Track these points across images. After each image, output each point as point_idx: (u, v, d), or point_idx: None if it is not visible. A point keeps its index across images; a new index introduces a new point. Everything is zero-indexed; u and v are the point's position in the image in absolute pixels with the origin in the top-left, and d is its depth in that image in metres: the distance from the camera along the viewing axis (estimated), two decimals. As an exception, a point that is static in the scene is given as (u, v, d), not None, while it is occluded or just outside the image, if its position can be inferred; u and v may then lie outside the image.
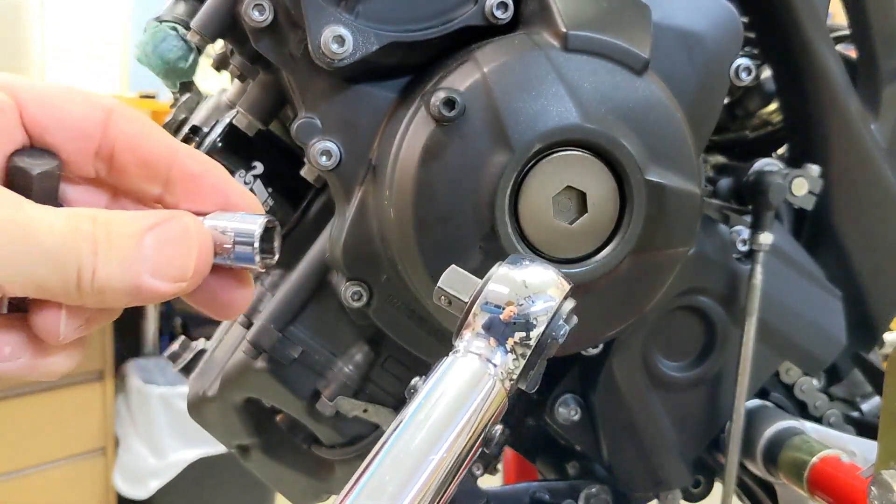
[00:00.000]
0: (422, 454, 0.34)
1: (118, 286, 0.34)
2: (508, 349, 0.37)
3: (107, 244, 0.34)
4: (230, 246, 0.38)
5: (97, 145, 0.37)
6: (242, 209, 0.39)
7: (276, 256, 0.39)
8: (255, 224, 0.38)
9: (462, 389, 0.36)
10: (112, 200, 0.39)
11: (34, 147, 0.37)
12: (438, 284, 0.39)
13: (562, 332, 0.38)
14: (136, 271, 0.34)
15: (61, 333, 0.35)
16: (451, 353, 0.37)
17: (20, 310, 0.36)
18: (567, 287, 0.38)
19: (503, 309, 0.37)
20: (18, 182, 0.35)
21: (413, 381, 0.39)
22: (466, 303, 0.38)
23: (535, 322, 0.37)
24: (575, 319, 0.39)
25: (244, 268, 0.39)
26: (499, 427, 0.38)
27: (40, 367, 0.36)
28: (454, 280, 0.39)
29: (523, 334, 0.37)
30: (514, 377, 0.37)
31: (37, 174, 0.35)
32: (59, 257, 0.33)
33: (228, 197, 0.38)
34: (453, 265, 0.39)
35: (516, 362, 0.37)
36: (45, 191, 0.36)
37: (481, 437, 0.36)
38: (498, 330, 0.37)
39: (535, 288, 0.38)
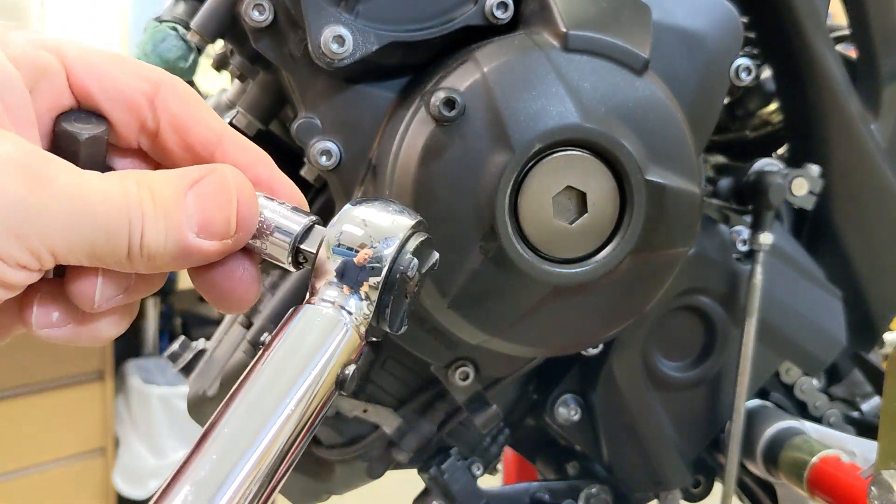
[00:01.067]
0: (272, 405, 0.33)
1: (166, 250, 0.34)
2: (363, 296, 0.36)
3: (152, 207, 0.33)
4: (266, 235, 0.36)
5: (143, 118, 0.36)
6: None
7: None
8: (298, 223, 0.37)
9: (313, 338, 0.35)
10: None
11: (81, 109, 0.36)
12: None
13: (412, 266, 0.36)
14: (181, 232, 0.34)
15: (96, 301, 0.34)
16: (304, 303, 0.36)
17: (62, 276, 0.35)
18: (412, 221, 0.37)
19: (357, 252, 0.36)
20: (65, 146, 0.35)
21: (263, 336, 0.38)
22: (315, 252, 0.36)
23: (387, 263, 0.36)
24: (435, 256, 0.38)
25: (275, 262, 0.37)
26: (352, 366, 0.36)
27: (85, 332, 0.36)
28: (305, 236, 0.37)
29: (378, 278, 0.36)
30: (370, 320, 0.36)
31: (85, 139, 0.35)
32: (111, 225, 0.32)
33: (273, 190, 0.38)
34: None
35: (371, 307, 0.36)
36: (92, 156, 0.35)
37: (334, 383, 0.35)
38: (351, 275, 0.36)
39: (384, 229, 0.36)
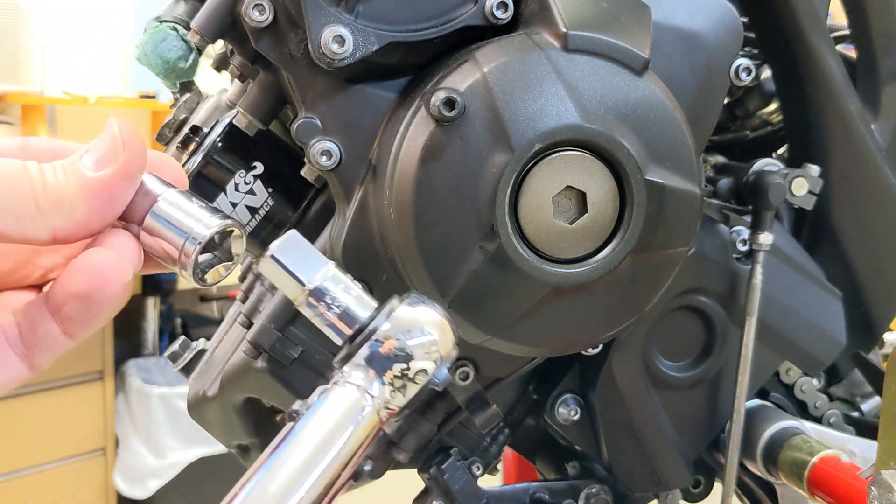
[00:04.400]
0: (292, 480, 0.36)
1: (70, 190, 0.36)
2: (386, 381, 0.39)
3: (51, 168, 0.37)
4: (175, 247, 0.39)
5: None
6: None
7: (226, 272, 0.41)
8: (207, 227, 0.39)
9: (339, 419, 0.38)
10: None
11: None
12: None
13: (443, 379, 0.41)
14: (79, 173, 0.37)
15: None
16: (331, 382, 0.39)
17: None
18: (452, 335, 0.41)
19: (383, 343, 0.39)
20: None
21: (296, 405, 0.41)
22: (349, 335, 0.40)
23: (412, 355, 0.40)
24: (454, 357, 0.42)
25: (167, 262, 0.40)
26: (370, 462, 0.40)
27: None
28: None
29: (403, 365, 0.40)
30: (390, 406, 0.40)
31: None
32: (10, 176, 0.36)
33: (151, 163, 0.41)
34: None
35: (393, 393, 0.40)
36: None
37: (353, 463, 0.39)
38: (378, 362, 0.39)
39: (413, 324, 0.40)
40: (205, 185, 0.61)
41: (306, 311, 0.40)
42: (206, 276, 0.40)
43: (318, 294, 0.40)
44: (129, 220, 0.39)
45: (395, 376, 0.39)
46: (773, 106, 0.76)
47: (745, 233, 0.66)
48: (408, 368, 0.39)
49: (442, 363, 0.40)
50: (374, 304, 0.41)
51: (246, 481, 0.36)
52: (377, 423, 0.39)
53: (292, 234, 0.40)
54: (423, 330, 0.40)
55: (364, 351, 0.39)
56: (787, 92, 0.72)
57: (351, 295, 0.40)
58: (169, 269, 0.40)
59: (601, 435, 0.68)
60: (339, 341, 0.40)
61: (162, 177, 0.41)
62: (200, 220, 0.39)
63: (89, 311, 0.37)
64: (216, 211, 0.40)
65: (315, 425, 0.38)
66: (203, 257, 0.39)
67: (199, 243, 0.39)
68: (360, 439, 0.38)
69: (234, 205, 0.61)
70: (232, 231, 0.40)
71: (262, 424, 0.70)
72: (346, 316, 0.40)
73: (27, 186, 0.36)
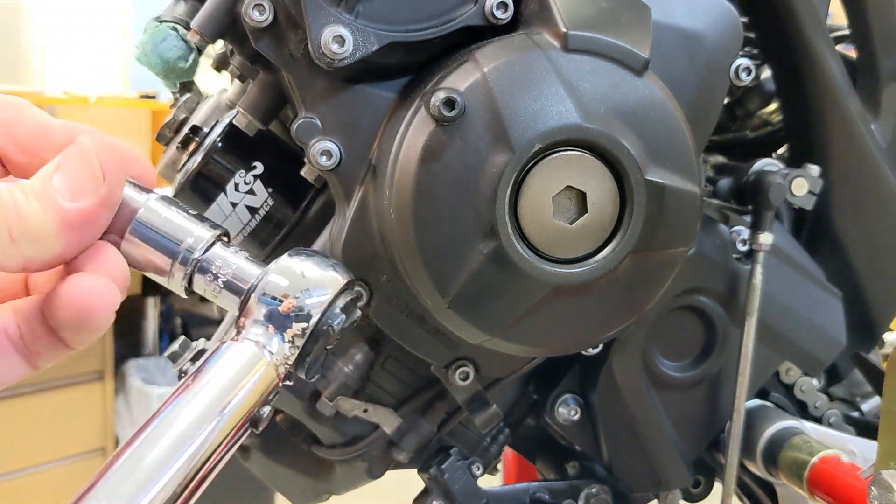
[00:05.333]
0: (185, 434, 0.36)
1: (47, 223, 0.35)
2: (287, 339, 0.39)
3: (21, 194, 0.35)
4: (162, 261, 0.39)
5: None
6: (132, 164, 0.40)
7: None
8: (198, 239, 0.39)
9: (234, 373, 0.38)
10: None
11: None
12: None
13: (337, 322, 0.40)
14: (55, 203, 0.35)
15: None
16: (229, 339, 0.39)
17: None
18: (343, 280, 0.41)
19: (282, 301, 0.39)
20: None
21: (186, 366, 0.40)
22: (244, 297, 0.40)
23: (311, 313, 0.39)
24: (358, 314, 0.42)
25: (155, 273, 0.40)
26: (267, 408, 0.39)
27: None
28: None
29: (303, 325, 0.39)
30: (289, 363, 0.39)
31: None
32: None
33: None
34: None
35: (293, 349, 0.39)
36: None
37: (248, 419, 0.38)
38: (277, 320, 0.39)
39: (312, 282, 0.40)
40: (205, 185, 0.61)
41: (198, 288, 0.41)
42: (194, 287, 0.40)
43: (202, 268, 0.40)
44: (108, 230, 0.39)
45: (296, 335, 0.39)
46: (773, 106, 0.76)
47: (745, 233, 0.66)
48: (307, 327, 0.39)
49: (337, 310, 0.40)
50: (258, 270, 0.40)
51: (138, 434, 0.35)
52: (275, 378, 0.39)
53: None
54: (322, 289, 0.40)
55: (262, 309, 0.39)
56: (787, 92, 0.72)
57: (234, 263, 0.40)
58: (150, 276, 0.40)
59: (601, 435, 0.68)
60: (234, 309, 0.40)
61: (130, 170, 0.40)
62: (190, 232, 0.39)
63: (83, 334, 0.37)
64: (203, 219, 0.40)
65: (212, 379, 0.38)
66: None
67: (194, 257, 0.39)
68: (257, 394, 0.38)
69: (234, 205, 0.61)
70: (220, 239, 0.40)
71: (262, 424, 0.69)
72: (233, 283, 0.40)
73: (2, 224, 0.34)
